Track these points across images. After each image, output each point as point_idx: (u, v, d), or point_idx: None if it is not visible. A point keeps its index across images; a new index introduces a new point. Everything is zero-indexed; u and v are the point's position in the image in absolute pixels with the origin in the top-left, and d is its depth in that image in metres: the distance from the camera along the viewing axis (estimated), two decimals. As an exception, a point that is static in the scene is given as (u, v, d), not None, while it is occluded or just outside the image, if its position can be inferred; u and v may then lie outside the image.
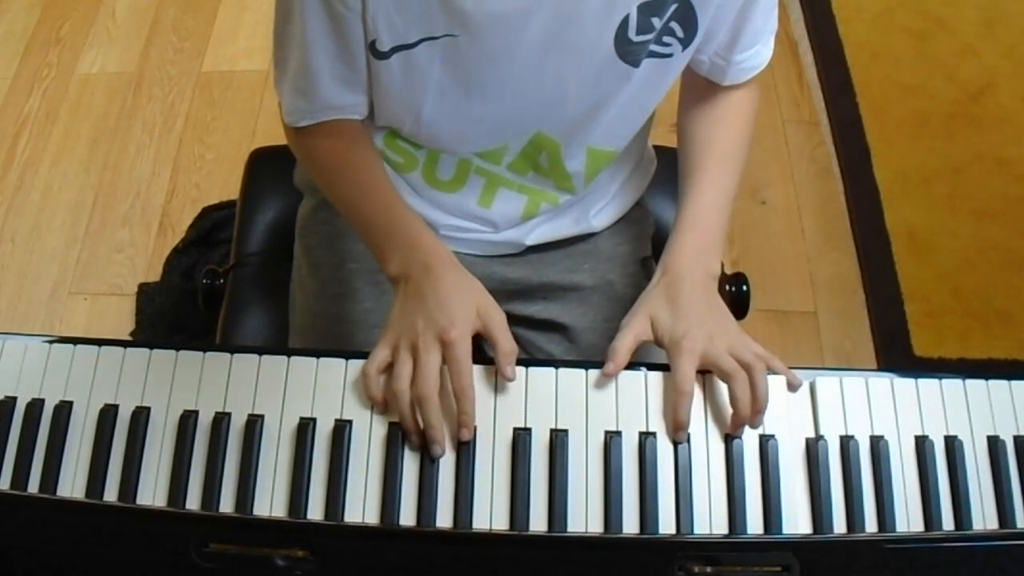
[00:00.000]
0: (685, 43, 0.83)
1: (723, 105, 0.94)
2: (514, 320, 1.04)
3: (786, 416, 0.78)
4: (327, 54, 0.82)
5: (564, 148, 0.92)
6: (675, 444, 0.76)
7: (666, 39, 0.82)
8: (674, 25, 0.81)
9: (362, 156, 0.91)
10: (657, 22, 0.79)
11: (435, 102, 0.85)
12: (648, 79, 0.86)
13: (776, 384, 0.79)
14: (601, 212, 1.05)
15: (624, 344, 0.80)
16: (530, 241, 1.02)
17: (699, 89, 0.95)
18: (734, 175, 0.92)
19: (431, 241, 0.84)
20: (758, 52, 0.90)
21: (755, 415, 0.76)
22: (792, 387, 0.79)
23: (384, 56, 0.81)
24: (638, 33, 0.79)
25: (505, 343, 0.78)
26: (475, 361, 0.79)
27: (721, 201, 0.90)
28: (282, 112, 0.91)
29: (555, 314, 1.03)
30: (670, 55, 0.84)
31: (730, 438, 0.76)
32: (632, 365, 0.80)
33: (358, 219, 0.89)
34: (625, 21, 0.78)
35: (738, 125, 0.94)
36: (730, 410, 0.77)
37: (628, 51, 0.81)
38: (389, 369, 0.77)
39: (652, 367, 0.80)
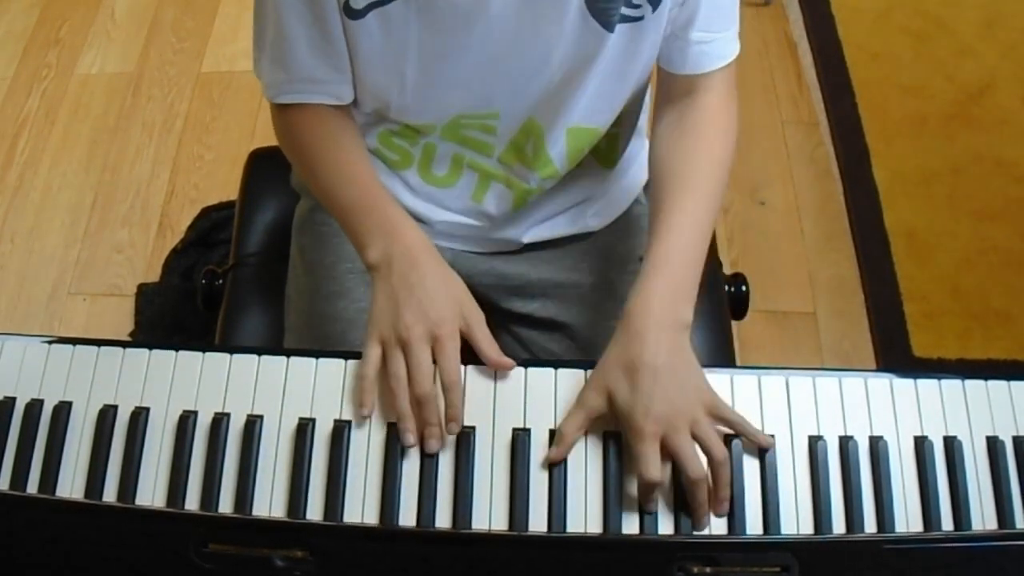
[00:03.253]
0: (654, 3, 0.82)
1: (695, 121, 0.89)
2: (514, 318, 1.04)
3: (785, 417, 0.78)
4: (302, 21, 0.82)
5: (548, 133, 0.92)
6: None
7: (635, 0, 0.82)
8: None
9: (343, 142, 0.90)
10: None
11: (417, 63, 0.84)
12: (624, 46, 0.85)
13: (776, 384, 0.79)
14: (598, 212, 1.05)
15: (572, 427, 0.75)
16: (527, 239, 1.03)
17: (672, 99, 0.92)
18: (710, 206, 0.85)
19: (412, 229, 0.84)
20: (724, 40, 0.87)
21: (717, 505, 0.73)
22: (761, 448, 0.75)
23: (359, 15, 0.80)
24: None
25: (487, 343, 0.79)
26: (474, 361, 0.79)
27: (695, 238, 0.82)
28: (263, 88, 0.91)
29: (554, 313, 1.03)
30: (641, 18, 0.83)
31: (729, 438, 0.76)
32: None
33: (336, 204, 0.89)
34: None
35: (713, 147, 0.88)
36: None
37: (599, 9, 0.80)
38: (383, 366, 0.78)
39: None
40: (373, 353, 0.78)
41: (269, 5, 0.83)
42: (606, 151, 1.00)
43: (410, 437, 0.75)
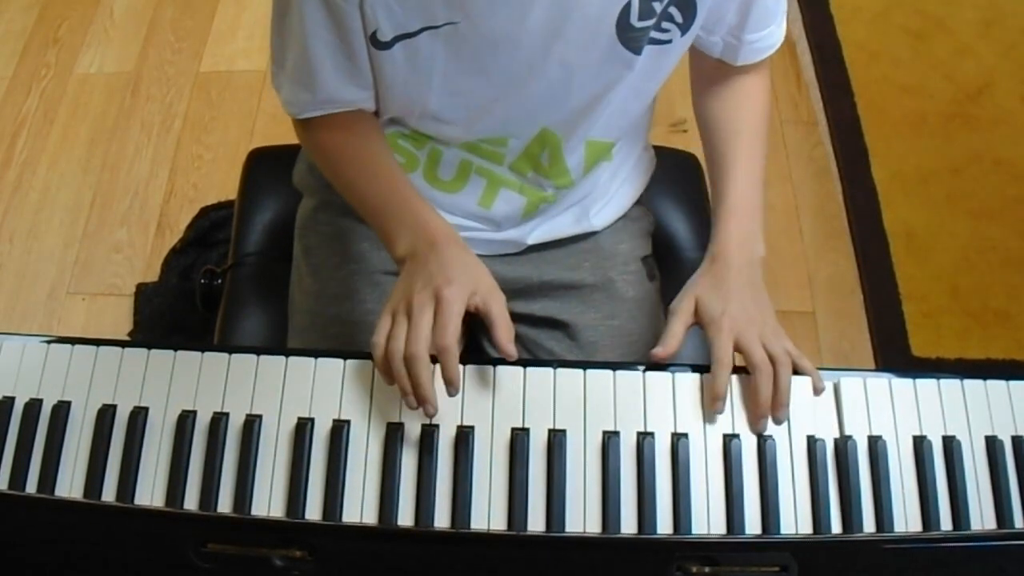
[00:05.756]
0: (684, 29, 0.83)
1: (738, 86, 0.95)
2: (515, 318, 1.03)
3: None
4: (327, 47, 0.82)
5: (565, 143, 0.92)
6: (675, 442, 0.76)
7: (665, 25, 0.82)
8: (673, 11, 0.81)
9: (371, 146, 0.91)
10: (658, 6, 0.79)
11: (441, 90, 0.85)
12: (648, 66, 0.86)
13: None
14: (601, 211, 1.05)
15: (677, 330, 0.83)
16: (531, 240, 1.03)
17: (711, 74, 0.96)
18: (762, 154, 0.94)
19: (438, 221, 0.84)
20: (771, 33, 0.91)
21: (776, 410, 0.77)
22: (816, 390, 0.80)
23: (386, 46, 0.80)
24: (640, 19, 0.80)
25: (504, 322, 0.78)
26: (473, 361, 0.79)
27: (755, 183, 0.91)
28: (283, 104, 0.90)
29: (555, 312, 1.03)
30: (669, 41, 0.84)
31: (729, 437, 0.76)
32: (629, 365, 0.80)
33: (365, 205, 0.89)
34: (628, 6, 0.78)
35: (756, 104, 0.96)
36: (729, 411, 0.77)
37: (630, 37, 0.81)
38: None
39: (650, 368, 0.80)
40: (383, 324, 0.77)
41: (292, 29, 0.82)
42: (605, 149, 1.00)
43: (411, 400, 0.74)
